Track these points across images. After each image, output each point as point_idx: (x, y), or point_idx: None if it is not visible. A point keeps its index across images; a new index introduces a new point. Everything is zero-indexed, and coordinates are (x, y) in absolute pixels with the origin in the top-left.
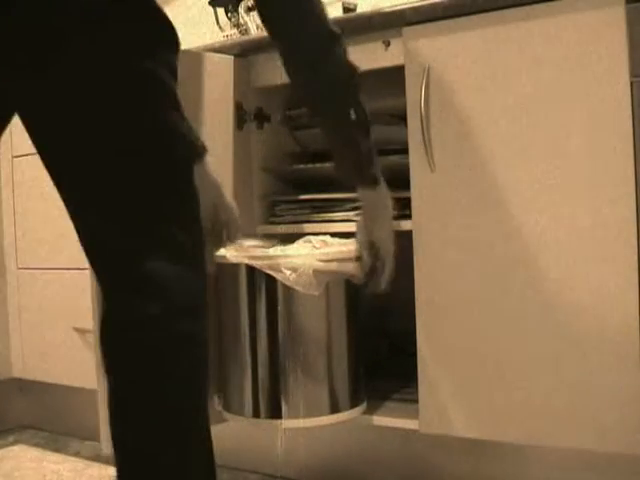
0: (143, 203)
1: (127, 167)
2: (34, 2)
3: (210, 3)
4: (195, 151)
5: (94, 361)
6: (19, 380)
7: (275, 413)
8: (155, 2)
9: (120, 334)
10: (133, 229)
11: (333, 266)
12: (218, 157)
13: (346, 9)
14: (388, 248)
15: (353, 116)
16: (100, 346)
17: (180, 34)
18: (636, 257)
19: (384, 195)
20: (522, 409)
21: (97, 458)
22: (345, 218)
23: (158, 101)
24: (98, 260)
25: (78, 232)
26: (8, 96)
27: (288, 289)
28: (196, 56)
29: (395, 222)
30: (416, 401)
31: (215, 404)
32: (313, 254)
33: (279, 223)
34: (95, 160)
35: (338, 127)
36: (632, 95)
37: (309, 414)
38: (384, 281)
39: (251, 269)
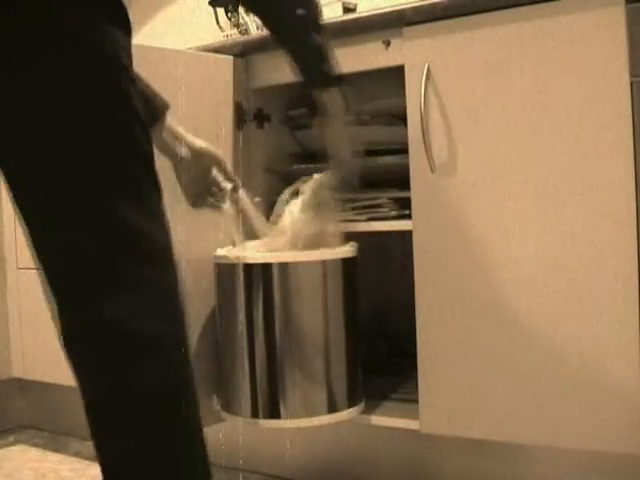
0: (96, 192)
1: (77, 155)
2: None
3: (210, 3)
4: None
5: None
6: (19, 380)
7: (273, 413)
8: None
9: (83, 340)
10: (85, 220)
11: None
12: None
13: (346, 9)
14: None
15: (300, 12)
16: (66, 354)
17: (180, 34)
18: (636, 255)
19: (339, 98)
20: (522, 409)
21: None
22: (344, 218)
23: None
24: (51, 260)
25: (29, 230)
26: None
27: (285, 289)
28: (196, 56)
29: (395, 222)
30: (416, 401)
31: (213, 404)
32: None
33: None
34: (44, 148)
35: (281, 21)
36: (632, 95)
37: (307, 414)
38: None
39: (248, 269)
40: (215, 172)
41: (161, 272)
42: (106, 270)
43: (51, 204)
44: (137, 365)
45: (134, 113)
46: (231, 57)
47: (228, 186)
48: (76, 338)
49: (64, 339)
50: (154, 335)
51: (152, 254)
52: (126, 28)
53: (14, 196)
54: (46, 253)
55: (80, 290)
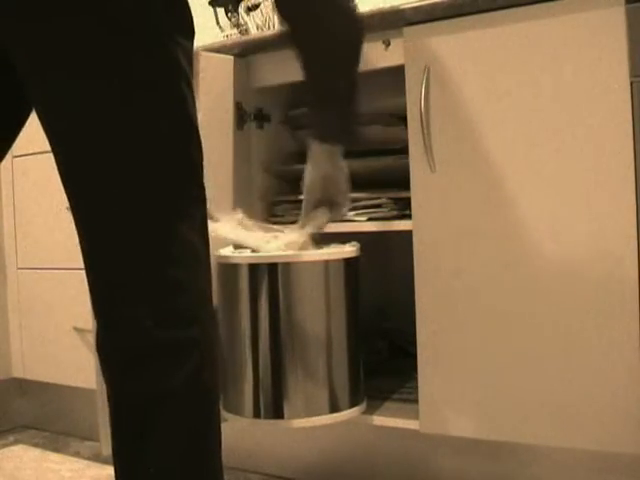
0: (154, 204)
1: (139, 164)
2: None
3: (210, 3)
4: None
5: (94, 361)
6: (19, 380)
7: (275, 413)
8: None
9: (118, 344)
10: (138, 232)
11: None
12: (218, 157)
13: None
14: (345, 191)
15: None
16: (98, 357)
17: None
18: (636, 255)
19: (340, 156)
20: (522, 409)
21: (97, 458)
22: (344, 218)
23: (181, 100)
24: (96, 263)
25: (78, 233)
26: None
27: (289, 289)
28: (196, 56)
29: (395, 222)
30: (416, 401)
31: None
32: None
33: (279, 223)
34: (109, 157)
35: (332, 83)
36: (632, 95)
37: (309, 414)
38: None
39: (253, 269)
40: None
41: (202, 277)
42: (153, 275)
43: (106, 212)
44: (176, 369)
45: (189, 119)
46: (231, 57)
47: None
48: (115, 341)
49: (101, 342)
50: (190, 340)
51: (190, 260)
52: (190, 32)
53: (70, 198)
54: (97, 256)
55: (125, 293)
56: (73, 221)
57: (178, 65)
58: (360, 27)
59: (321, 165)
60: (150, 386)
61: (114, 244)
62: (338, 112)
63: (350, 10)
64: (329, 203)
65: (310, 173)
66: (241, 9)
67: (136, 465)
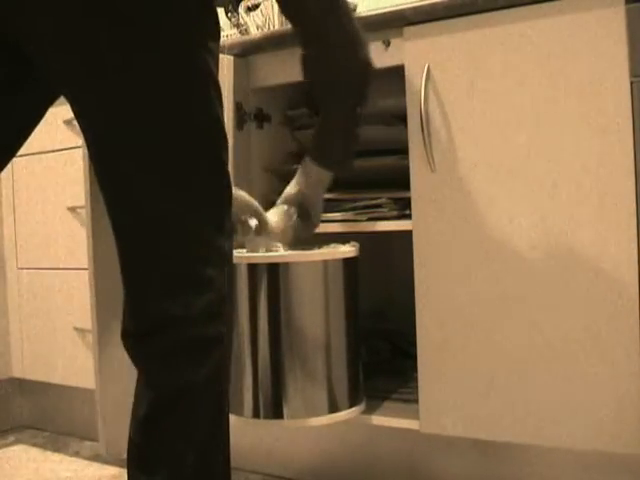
0: (183, 205)
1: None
2: None
3: None
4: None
5: (94, 361)
6: (19, 380)
7: (275, 413)
8: None
9: (142, 337)
10: (169, 231)
11: None
12: None
13: None
14: (319, 212)
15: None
16: (126, 350)
17: None
18: (636, 256)
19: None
20: (522, 409)
21: (97, 458)
22: (344, 218)
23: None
24: (130, 259)
25: (114, 231)
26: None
27: (288, 289)
28: None
29: (395, 222)
30: (416, 401)
31: None
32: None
33: None
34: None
35: (341, 117)
36: (632, 95)
37: (308, 414)
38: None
39: (252, 269)
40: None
41: (224, 278)
42: (188, 272)
43: (139, 210)
44: (199, 364)
45: (218, 121)
46: (231, 57)
47: (253, 223)
48: (138, 334)
49: (128, 333)
50: (217, 336)
51: (218, 260)
52: (218, 35)
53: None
54: (131, 252)
55: (155, 286)
56: (110, 222)
57: (209, 72)
58: (365, 69)
59: (308, 181)
60: (176, 378)
61: (150, 243)
62: (341, 143)
63: (358, 45)
64: (301, 217)
65: (295, 182)
66: (241, 9)
67: (151, 453)
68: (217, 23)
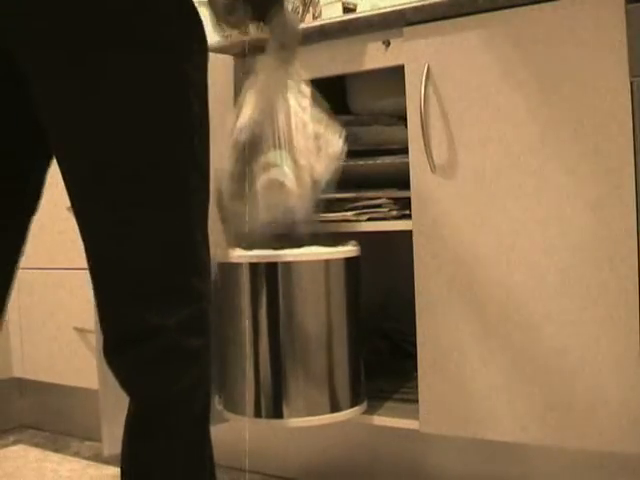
0: (161, 215)
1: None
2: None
3: (210, 3)
4: None
5: (94, 361)
6: (19, 380)
7: (276, 413)
8: None
9: (126, 348)
10: (147, 241)
11: None
12: (218, 157)
13: (346, 9)
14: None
15: None
16: (108, 362)
17: None
18: (636, 256)
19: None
20: (522, 409)
21: (97, 458)
22: (344, 218)
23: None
24: (102, 270)
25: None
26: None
27: (289, 288)
28: None
29: (395, 222)
30: (416, 401)
31: (216, 404)
32: None
33: None
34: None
35: None
36: (632, 95)
37: (310, 414)
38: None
39: (253, 269)
40: None
41: (206, 285)
42: (162, 281)
43: (119, 214)
44: (181, 374)
45: (196, 126)
46: (231, 57)
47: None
48: (122, 344)
49: (108, 346)
50: (196, 347)
51: (201, 269)
52: (203, 40)
53: (73, 205)
54: (104, 261)
55: (132, 297)
56: (81, 230)
57: (188, 80)
58: None
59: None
60: (162, 389)
61: (125, 254)
62: None
63: None
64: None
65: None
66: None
67: (142, 463)
68: (199, 23)
